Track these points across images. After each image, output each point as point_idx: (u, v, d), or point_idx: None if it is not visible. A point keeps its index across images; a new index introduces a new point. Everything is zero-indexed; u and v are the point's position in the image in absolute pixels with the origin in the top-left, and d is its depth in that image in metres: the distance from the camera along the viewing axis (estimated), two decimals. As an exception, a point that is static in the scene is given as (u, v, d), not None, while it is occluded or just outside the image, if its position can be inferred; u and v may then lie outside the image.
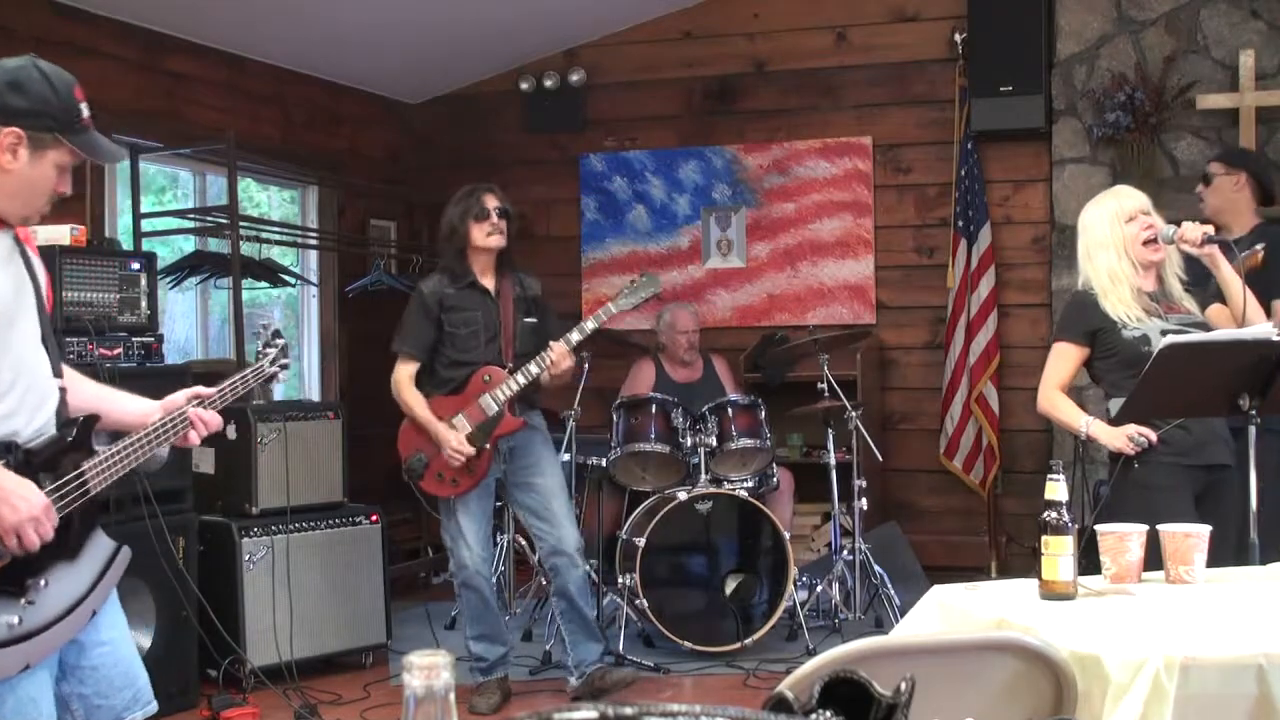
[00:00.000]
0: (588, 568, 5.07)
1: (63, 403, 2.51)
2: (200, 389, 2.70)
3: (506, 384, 4.62)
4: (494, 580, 4.89)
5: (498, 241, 4.68)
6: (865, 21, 7.06)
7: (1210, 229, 3.69)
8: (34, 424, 2.43)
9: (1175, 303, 3.75)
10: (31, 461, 2.39)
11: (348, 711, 4.74)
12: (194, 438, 2.65)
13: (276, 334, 2.94)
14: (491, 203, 4.69)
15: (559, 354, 4.57)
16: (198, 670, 4.75)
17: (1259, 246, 4.29)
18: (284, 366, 2.91)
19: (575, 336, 4.63)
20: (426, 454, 4.65)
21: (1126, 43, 6.49)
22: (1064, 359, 3.78)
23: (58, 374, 2.53)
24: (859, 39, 7.08)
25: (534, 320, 4.79)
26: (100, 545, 2.54)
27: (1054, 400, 3.77)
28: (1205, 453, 3.63)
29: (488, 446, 4.65)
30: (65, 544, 2.43)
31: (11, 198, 2.41)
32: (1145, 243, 3.68)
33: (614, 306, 4.73)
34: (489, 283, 4.73)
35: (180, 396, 2.67)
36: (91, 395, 2.69)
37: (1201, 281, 3.89)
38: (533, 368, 4.60)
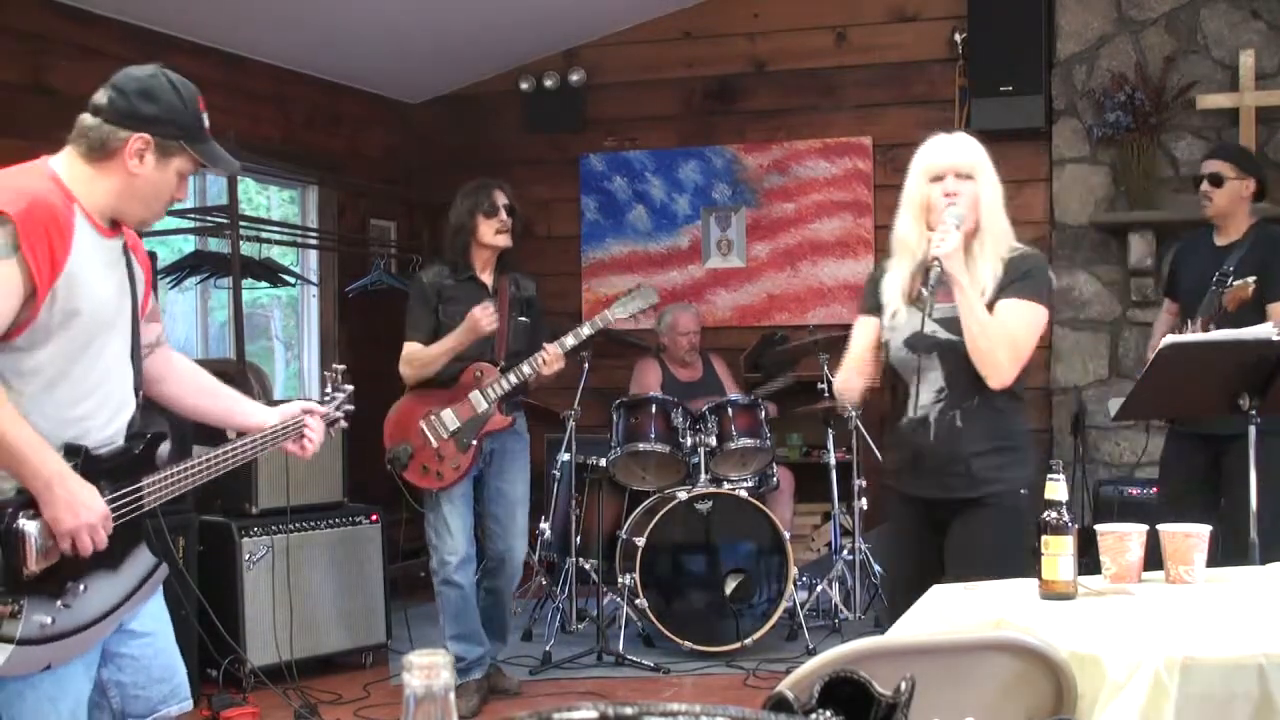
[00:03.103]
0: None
1: (136, 416, 2.56)
2: (311, 404, 2.89)
3: (498, 382, 4.65)
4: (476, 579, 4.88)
5: (504, 240, 4.72)
6: (865, 21, 7.05)
7: (946, 256, 2.97)
8: (106, 431, 2.47)
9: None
10: (96, 468, 2.42)
11: (347, 711, 4.74)
12: (310, 447, 2.85)
13: (344, 376, 3.07)
14: (501, 200, 4.71)
15: (552, 356, 4.62)
16: (198, 670, 4.74)
17: (1250, 279, 4.22)
18: (348, 412, 3.03)
19: (570, 341, 4.69)
20: (412, 444, 4.65)
21: (1126, 43, 6.48)
22: (857, 328, 3.29)
23: (139, 388, 2.58)
24: (859, 39, 7.07)
25: (526, 320, 4.82)
26: (142, 559, 2.57)
27: (843, 367, 3.29)
28: (921, 483, 3.16)
29: (475, 443, 4.67)
30: (111, 553, 2.45)
31: (133, 200, 2.48)
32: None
33: (610, 314, 4.82)
34: (487, 279, 4.76)
35: (295, 407, 2.85)
36: (221, 395, 2.84)
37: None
38: (525, 368, 4.62)
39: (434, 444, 4.66)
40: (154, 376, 2.70)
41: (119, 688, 2.56)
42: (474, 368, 4.69)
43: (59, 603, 2.37)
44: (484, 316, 4.57)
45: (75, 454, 2.39)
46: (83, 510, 2.34)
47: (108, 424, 2.47)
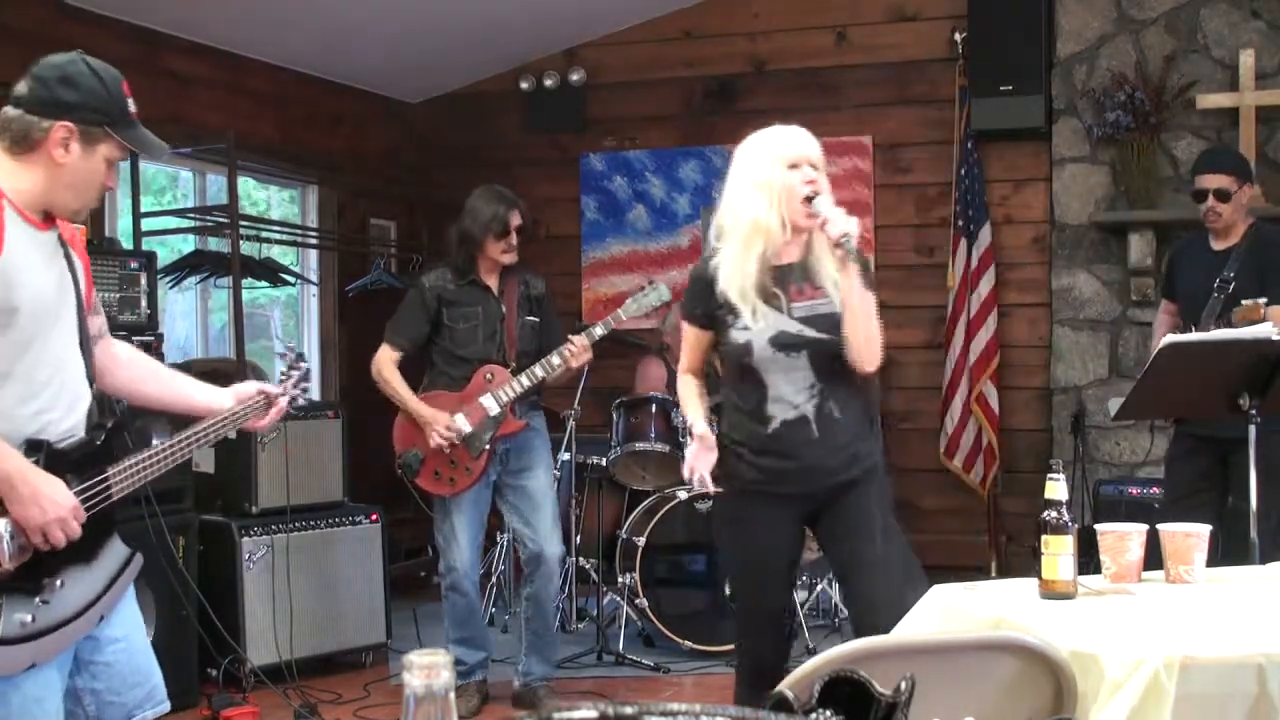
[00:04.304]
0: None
1: (93, 406, 2.54)
2: (266, 386, 2.85)
3: (510, 384, 4.58)
4: (479, 582, 4.84)
5: (510, 259, 4.68)
6: (865, 21, 7.05)
7: (854, 231, 3.02)
8: (64, 425, 2.45)
9: (815, 282, 3.15)
10: (60, 461, 2.41)
11: (347, 711, 4.74)
12: (267, 424, 2.83)
13: (300, 357, 3.04)
14: (515, 222, 4.66)
15: (579, 347, 4.55)
16: (198, 670, 4.75)
17: (1261, 301, 4.21)
18: (304, 391, 3.00)
19: (599, 331, 4.63)
20: (421, 450, 4.61)
21: (1126, 42, 6.48)
22: (688, 341, 3.37)
23: (92, 378, 2.55)
24: (859, 39, 7.07)
25: (535, 320, 4.76)
26: (115, 550, 2.56)
27: (680, 388, 3.43)
28: (802, 480, 3.18)
29: (487, 447, 4.62)
30: (84, 547, 2.44)
31: (63, 190, 2.45)
32: (805, 199, 3.09)
33: (623, 313, 4.75)
34: (492, 282, 4.71)
35: (250, 387, 2.81)
36: (172, 380, 2.82)
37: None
38: (554, 359, 4.54)
39: (446, 449, 4.60)
40: (100, 369, 2.67)
41: (94, 695, 2.53)
42: (484, 370, 4.63)
43: (38, 600, 2.36)
44: (437, 436, 4.54)
45: (38, 449, 2.37)
46: (50, 504, 2.33)
47: (65, 417, 2.45)
